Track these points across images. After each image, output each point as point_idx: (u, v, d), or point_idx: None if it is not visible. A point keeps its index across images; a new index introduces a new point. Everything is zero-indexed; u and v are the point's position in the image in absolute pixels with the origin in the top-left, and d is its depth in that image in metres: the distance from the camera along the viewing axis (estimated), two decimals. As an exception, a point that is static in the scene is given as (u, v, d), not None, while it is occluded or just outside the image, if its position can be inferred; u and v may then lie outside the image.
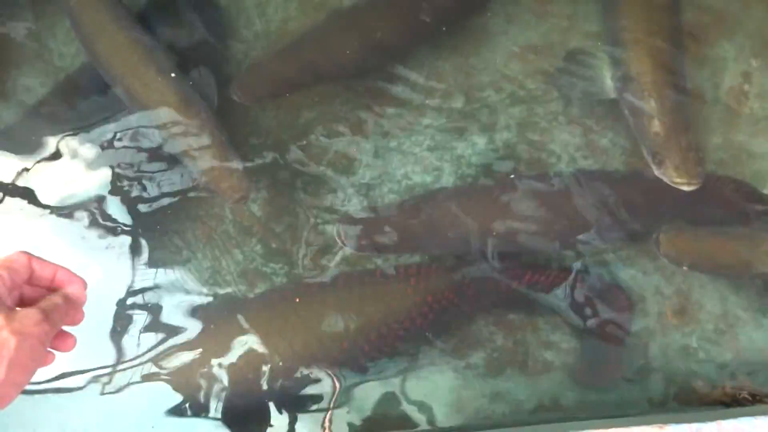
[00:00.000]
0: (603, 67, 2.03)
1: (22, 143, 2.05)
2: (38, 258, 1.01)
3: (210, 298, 1.93)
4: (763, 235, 1.83)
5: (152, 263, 1.94)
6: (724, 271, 1.89)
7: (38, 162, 2.04)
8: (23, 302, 0.98)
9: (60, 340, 1.00)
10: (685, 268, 1.86)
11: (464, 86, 2.16)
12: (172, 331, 1.84)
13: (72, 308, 1.01)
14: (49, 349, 0.97)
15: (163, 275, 1.93)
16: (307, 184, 2.03)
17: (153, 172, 2.05)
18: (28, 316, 0.92)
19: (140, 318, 1.86)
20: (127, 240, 1.99)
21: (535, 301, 1.92)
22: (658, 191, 1.87)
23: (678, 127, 1.86)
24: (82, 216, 2.00)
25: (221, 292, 1.96)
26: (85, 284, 1.05)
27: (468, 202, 1.93)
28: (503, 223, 1.86)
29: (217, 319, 1.90)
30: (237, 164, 1.94)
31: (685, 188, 1.79)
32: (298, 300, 1.87)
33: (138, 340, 1.83)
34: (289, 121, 2.12)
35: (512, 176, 1.99)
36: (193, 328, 1.88)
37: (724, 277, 1.92)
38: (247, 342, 1.84)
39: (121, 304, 1.87)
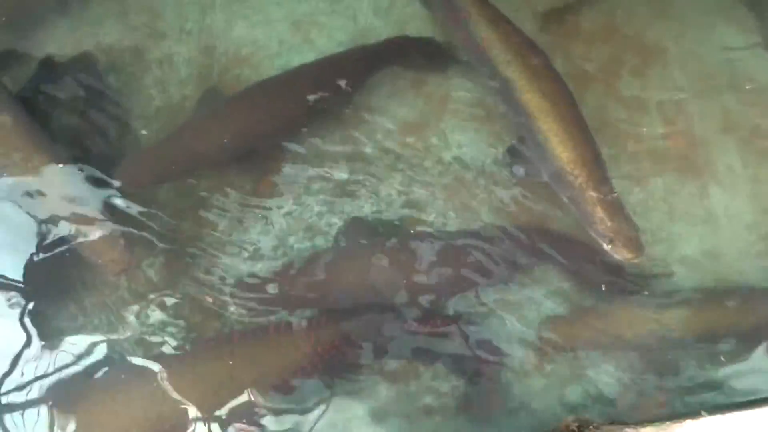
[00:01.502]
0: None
1: None
2: None
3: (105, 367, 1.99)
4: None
5: (46, 331, 2.00)
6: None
7: None
8: None
9: None
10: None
11: (349, 156, 2.38)
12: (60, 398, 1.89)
13: None
14: None
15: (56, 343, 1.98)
16: (204, 249, 2.15)
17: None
18: None
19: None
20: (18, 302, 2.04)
21: (418, 348, 2.10)
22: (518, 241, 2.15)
23: (617, 210, 2.09)
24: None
25: (118, 357, 2.02)
26: None
27: (349, 260, 2.13)
28: (382, 277, 2.06)
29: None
30: (118, 236, 2.05)
31: (635, 261, 2.04)
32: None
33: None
34: (186, 190, 2.26)
35: (393, 239, 2.20)
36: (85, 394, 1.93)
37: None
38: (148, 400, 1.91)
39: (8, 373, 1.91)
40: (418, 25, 2.61)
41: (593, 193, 2.09)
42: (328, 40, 2.58)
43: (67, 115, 2.28)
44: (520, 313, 2.13)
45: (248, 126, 2.23)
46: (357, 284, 2.07)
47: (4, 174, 2.08)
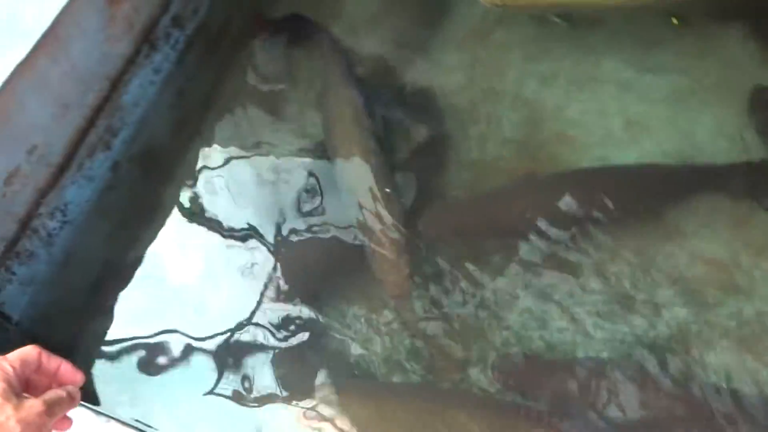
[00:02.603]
0: None
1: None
2: (46, 352, 1.19)
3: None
4: None
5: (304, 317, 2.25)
6: None
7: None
8: (28, 388, 1.15)
9: (59, 423, 1.16)
10: None
11: (639, 268, 2.28)
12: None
13: (71, 401, 1.16)
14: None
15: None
16: (476, 308, 2.23)
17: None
18: (33, 407, 1.08)
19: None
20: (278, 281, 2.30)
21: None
22: None
23: None
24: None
25: (358, 371, 2.20)
26: (83, 378, 1.22)
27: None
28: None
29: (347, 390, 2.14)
30: (407, 264, 2.21)
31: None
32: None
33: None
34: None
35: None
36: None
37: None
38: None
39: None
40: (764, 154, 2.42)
41: None
42: (656, 146, 2.51)
43: (400, 142, 2.57)
44: None
45: (556, 209, 2.26)
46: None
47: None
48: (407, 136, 2.57)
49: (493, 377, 2.05)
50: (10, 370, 1.10)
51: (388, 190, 2.30)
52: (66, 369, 1.20)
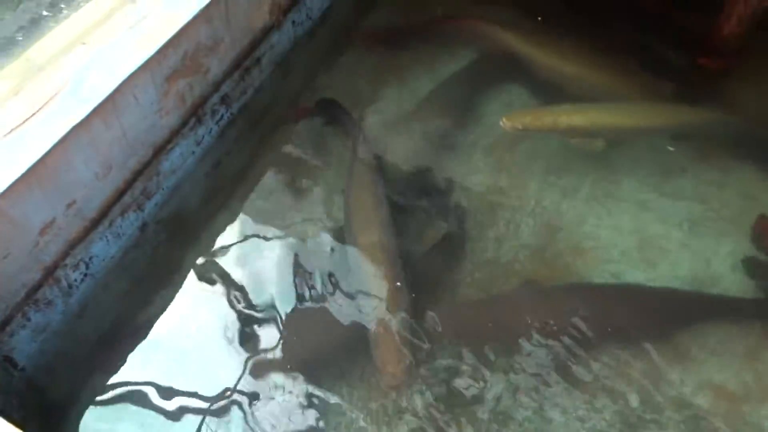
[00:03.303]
0: None
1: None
2: None
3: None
4: None
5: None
6: None
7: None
8: None
9: None
10: None
11: (646, 389, 2.26)
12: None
13: None
14: None
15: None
16: (474, 412, 2.21)
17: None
18: None
19: None
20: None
21: None
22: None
23: None
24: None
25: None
26: None
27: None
28: None
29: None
30: (407, 359, 2.22)
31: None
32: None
33: None
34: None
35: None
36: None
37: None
38: None
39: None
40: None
41: None
42: (670, 269, 2.55)
43: (420, 234, 2.64)
44: None
45: (566, 321, 2.28)
46: None
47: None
48: (427, 230, 2.64)
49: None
50: None
51: (399, 283, 2.34)
52: None
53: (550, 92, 3.09)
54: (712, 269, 2.54)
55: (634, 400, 2.19)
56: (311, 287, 2.46)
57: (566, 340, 2.24)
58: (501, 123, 2.77)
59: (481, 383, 2.20)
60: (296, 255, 2.56)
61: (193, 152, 2.64)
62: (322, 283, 2.46)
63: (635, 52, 3.20)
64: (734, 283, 2.48)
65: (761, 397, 2.22)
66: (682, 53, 3.18)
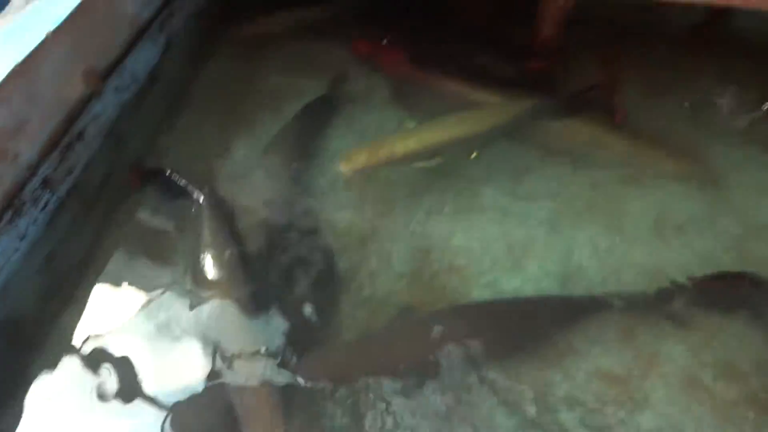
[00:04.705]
0: None
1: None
2: None
3: None
4: None
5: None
6: None
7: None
8: None
9: None
10: None
11: (539, 393, 2.26)
12: None
13: None
14: None
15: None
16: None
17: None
18: None
19: None
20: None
21: None
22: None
23: None
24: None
25: None
26: None
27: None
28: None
29: None
30: (280, 414, 2.06)
31: None
32: None
33: None
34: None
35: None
36: None
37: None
38: None
39: None
40: (635, 273, 2.56)
41: None
42: (539, 268, 2.61)
43: (290, 286, 2.51)
44: None
45: (433, 350, 2.22)
46: None
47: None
48: (295, 278, 2.52)
49: None
50: None
51: (260, 347, 2.21)
52: None
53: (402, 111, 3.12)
54: (575, 259, 2.63)
55: (530, 410, 2.19)
56: (174, 369, 2.24)
57: (448, 365, 2.19)
58: (340, 169, 2.72)
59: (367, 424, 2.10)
60: (154, 340, 2.33)
61: (17, 249, 2.34)
62: (186, 362, 2.26)
63: (474, 65, 3.33)
64: (596, 270, 2.58)
65: (643, 372, 2.30)
66: (513, 61, 3.35)
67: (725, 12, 3.45)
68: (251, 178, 2.84)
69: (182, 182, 2.63)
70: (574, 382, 2.28)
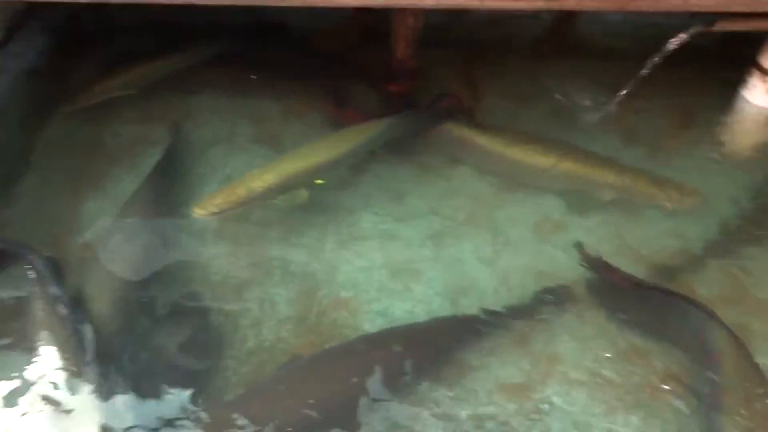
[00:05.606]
0: None
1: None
2: None
3: None
4: None
5: None
6: None
7: None
8: None
9: None
10: None
11: (446, 417, 2.15)
12: None
13: None
14: None
15: None
16: None
17: None
18: None
19: None
20: None
21: None
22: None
23: None
24: None
25: None
26: None
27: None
28: None
29: None
30: None
31: None
32: None
33: None
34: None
35: None
36: None
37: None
38: None
39: None
40: (522, 277, 2.54)
41: None
42: (427, 288, 2.53)
43: (153, 351, 2.26)
44: None
45: (325, 392, 2.09)
46: None
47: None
48: (164, 347, 2.27)
49: None
50: None
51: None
52: None
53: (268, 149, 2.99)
54: (464, 272, 2.58)
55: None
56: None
57: (341, 406, 2.04)
58: (193, 214, 2.56)
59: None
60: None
61: None
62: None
63: (338, 92, 3.27)
64: (485, 280, 2.54)
65: (542, 377, 2.26)
66: (374, 85, 3.32)
67: (569, 19, 3.65)
68: (108, 239, 2.57)
69: (17, 251, 2.33)
70: (478, 400, 2.20)
